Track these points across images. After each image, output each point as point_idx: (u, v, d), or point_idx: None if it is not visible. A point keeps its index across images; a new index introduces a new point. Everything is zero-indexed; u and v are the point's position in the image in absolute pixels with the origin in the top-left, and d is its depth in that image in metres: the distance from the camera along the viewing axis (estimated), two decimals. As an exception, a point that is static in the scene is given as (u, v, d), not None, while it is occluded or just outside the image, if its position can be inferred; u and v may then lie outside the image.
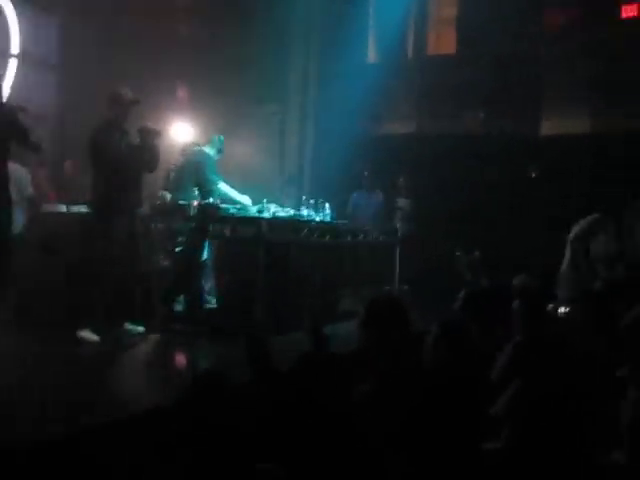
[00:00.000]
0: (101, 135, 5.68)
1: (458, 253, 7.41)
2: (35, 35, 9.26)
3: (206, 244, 6.65)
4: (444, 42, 11.12)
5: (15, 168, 6.21)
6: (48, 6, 9.37)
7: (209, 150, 6.84)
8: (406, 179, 9.45)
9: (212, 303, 6.86)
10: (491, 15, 9.94)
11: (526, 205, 9.37)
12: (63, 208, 7.36)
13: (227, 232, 6.46)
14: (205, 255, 6.69)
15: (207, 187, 6.56)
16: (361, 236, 7.84)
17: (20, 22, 8.99)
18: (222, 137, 6.97)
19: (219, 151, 6.91)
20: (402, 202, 9.34)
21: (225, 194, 6.72)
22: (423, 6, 11.12)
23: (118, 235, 5.61)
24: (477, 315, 4.18)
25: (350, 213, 8.93)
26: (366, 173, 9.18)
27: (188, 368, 5.34)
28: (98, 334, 5.50)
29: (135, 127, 5.79)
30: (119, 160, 5.63)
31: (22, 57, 9.08)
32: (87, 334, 5.48)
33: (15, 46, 8.97)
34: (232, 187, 6.84)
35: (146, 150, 5.75)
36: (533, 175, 10.12)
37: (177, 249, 6.64)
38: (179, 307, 6.74)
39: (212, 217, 6.35)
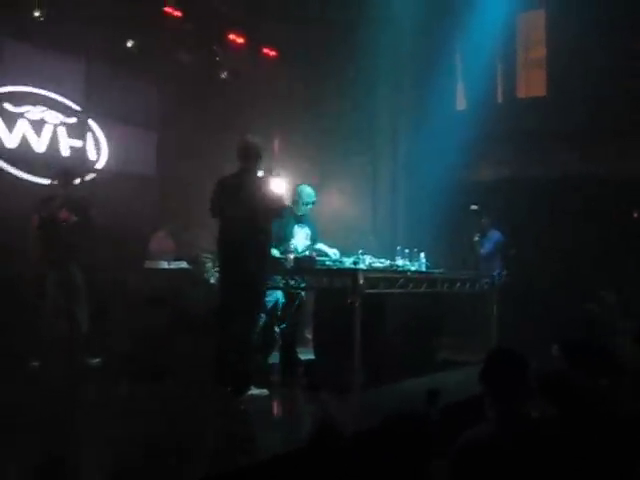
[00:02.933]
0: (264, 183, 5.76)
1: (602, 293, 7.22)
2: (136, 101, 9.76)
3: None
4: (534, 84, 11.02)
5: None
6: (148, 77, 9.84)
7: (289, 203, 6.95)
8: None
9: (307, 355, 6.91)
10: (581, 54, 9.82)
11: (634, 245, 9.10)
12: (165, 264, 7.68)
13: (323, 284, 6.49)
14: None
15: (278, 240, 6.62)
16: (458, 285, 7.72)
17: (124, 89, 9.50)
18: (304, 187, 7.00)
19: (305, 203, 6.96)
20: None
21: (318, 249, 6.83)
22: (511, 49, 11.08)
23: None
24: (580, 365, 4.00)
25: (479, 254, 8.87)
26: (484, 219, 9.05)
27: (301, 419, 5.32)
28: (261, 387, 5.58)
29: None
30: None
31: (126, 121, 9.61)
32: (256, 391, 5.53)
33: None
34: (325, 239, 6.91)
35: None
36: (635, 215, 9.83)
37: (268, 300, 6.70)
38: (274, 360, 6.83)
39: (308, 270, 6.41)
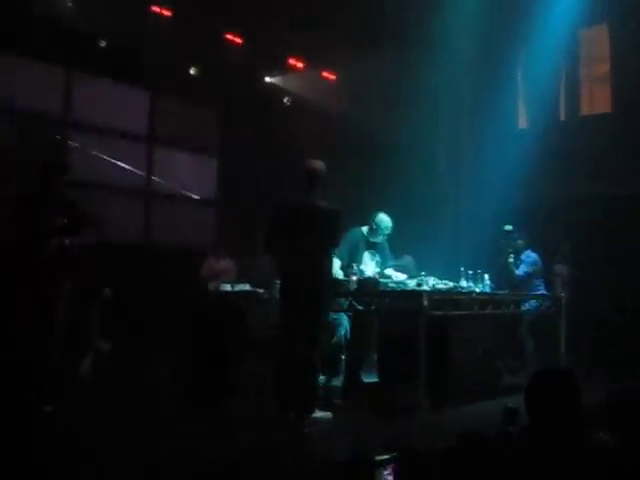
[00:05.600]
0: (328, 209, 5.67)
1: None
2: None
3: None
4: (599, 101, 10.81)
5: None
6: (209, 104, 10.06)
7: (364, 229, 6.96)
8: (567, 245, 9.13)
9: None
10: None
11: None
12: (228, 287, 7.77)
13: (387, 306, 6.46)
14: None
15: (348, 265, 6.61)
16: (524, 306, 7.58)
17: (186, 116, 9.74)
18: (383, 216, 6.93)
19: (382, 233, 6.93)
20: (560, 268, 9.03)
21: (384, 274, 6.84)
22: (573, 65, 10.91)
23: None
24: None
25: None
26: (519, 241, 8.83)
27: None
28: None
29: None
30: None
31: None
32: (319, 414, 5.51)
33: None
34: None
35: None
36: None
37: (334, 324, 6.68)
38: (337, 382, 6.80)
39: (371, 291, 6.39)
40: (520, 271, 8.46)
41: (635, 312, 8.78)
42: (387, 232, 6.95)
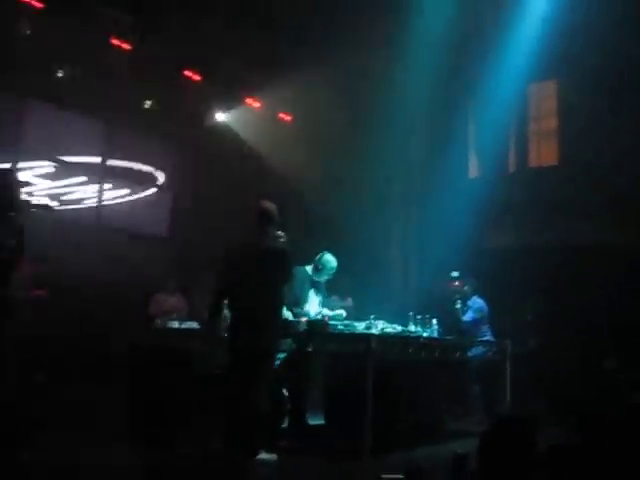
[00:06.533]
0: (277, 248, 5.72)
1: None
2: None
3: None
4: (546, 154, 11.13)
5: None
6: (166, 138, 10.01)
7: (308, 268, 6.98)
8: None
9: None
10: (592, 125, 9.94)
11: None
12: (175, 324, 7.65)
13: (335, 348, 6.44)
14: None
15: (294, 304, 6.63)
16: (470, 352, 7.65)
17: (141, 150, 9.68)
18: (329, 257, 6.96)
19: (327, 273, 6.97)
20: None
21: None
22: (523, 119, 11.24)
23: None
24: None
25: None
26: (466, 287, 8.92)
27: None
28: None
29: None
30: None
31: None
32: (265, 456, 5.45)
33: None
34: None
35: None
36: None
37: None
38: (284, 424, 6.72)
39: (320, 334, 6.38)
40: (467, 317, 8.58)
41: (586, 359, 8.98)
42: (332, 272, 7.00)
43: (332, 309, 7.06)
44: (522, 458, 2.91)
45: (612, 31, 9.35)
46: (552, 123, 11.05)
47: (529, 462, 2.95)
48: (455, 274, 8.77)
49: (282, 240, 5.80)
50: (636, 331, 8.82)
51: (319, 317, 6.66)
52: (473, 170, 11.55)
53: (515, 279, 9.68)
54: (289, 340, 6.37)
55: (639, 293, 9.28)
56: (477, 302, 8.70)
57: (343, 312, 6.99)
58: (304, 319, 6.41)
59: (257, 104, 10.73)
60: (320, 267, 6.97)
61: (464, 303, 8.73)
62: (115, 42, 8.87)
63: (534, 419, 3.09)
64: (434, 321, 7.19)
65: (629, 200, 9.65)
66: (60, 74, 8.68)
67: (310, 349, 6.44)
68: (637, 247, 9.50)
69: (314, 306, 6.95)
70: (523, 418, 3.08)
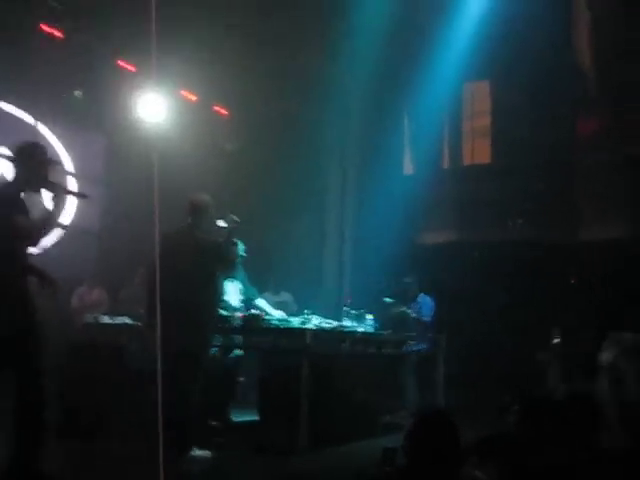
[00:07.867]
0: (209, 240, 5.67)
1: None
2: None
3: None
4: (479, 152, 11.31)
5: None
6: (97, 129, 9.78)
7: None
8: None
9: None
10: (525, 124, 10.15)
11: (571, 312, 9.27)
12: (106, 319, 7.47)
13: (269, 344, 6.40)
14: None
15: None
16: (405, 346, 7.73)
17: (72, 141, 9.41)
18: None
19: None
20: None
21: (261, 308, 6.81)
22: (457, 117, 11.39)
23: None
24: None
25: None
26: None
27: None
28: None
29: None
30: None
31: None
32: (198, 452, 5.40)
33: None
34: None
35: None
36: (573, 282, 10.06)
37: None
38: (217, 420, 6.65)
39: (255, 329, 6.33)
40: (426, 317, 8.51)
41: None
42: (242, 254, 6.74)
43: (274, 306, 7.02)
44: (446, 451, 2.91)
45: (542, 32, 9.59)
46: (486, 122, 11.23)
47: (455, 455, 2.95)
48: (408, 280, 8.75)
49: (226, 228, 5.70)
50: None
51: (252, 311, 6.60)
52: (408, 167, 11.63)
53: (449, 275, 9.81)
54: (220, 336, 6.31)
55: (573, 287, 9.58)
56: (426, 300, 8.69)
57: (283, 313, 6.92)
58: (239, 314, 6.34)
59: (193, 97, 10.57)
60: None
61: (412, 302, 8.74)
62: (46, 29, 8.60)
63: (455, 411, 3.10)
64: (369, 316, 7.22)
65: (555, 197, 9.92)
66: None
67: (245, 344, 6.41)
68: (563, 243, 9.77)
69: (233, 296, 6.86)
70: (444, 411, 3.08)
